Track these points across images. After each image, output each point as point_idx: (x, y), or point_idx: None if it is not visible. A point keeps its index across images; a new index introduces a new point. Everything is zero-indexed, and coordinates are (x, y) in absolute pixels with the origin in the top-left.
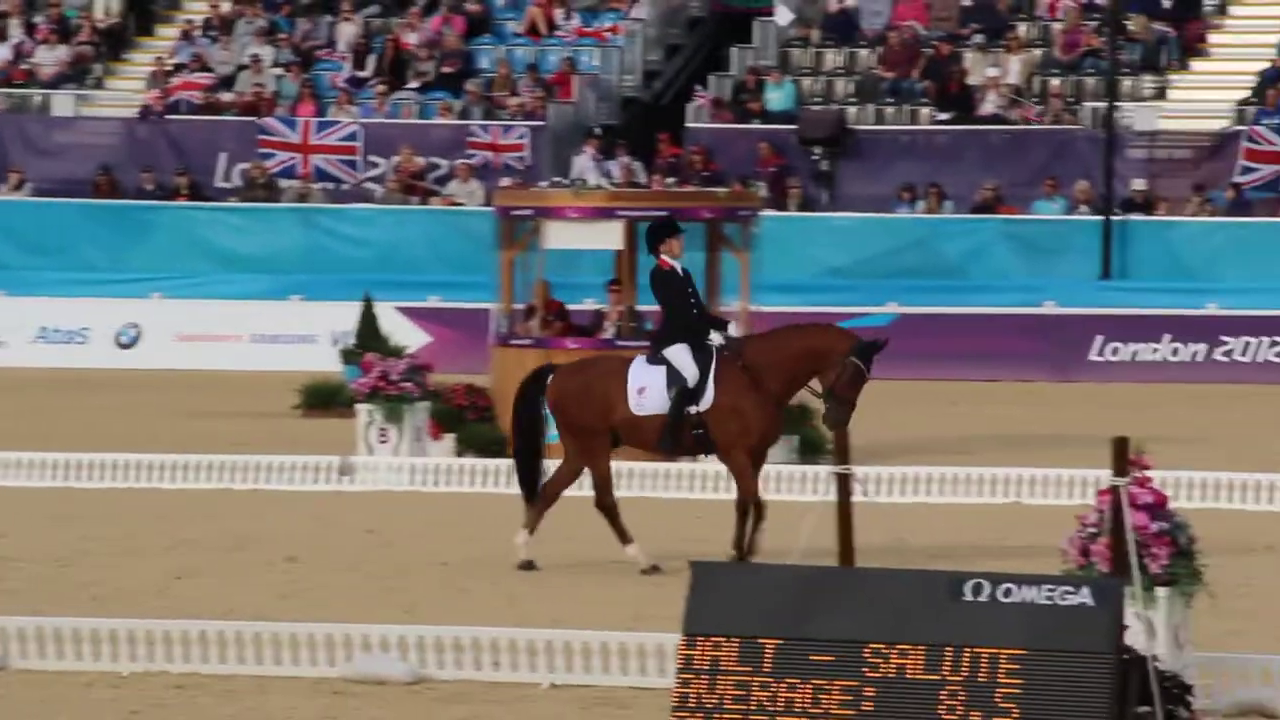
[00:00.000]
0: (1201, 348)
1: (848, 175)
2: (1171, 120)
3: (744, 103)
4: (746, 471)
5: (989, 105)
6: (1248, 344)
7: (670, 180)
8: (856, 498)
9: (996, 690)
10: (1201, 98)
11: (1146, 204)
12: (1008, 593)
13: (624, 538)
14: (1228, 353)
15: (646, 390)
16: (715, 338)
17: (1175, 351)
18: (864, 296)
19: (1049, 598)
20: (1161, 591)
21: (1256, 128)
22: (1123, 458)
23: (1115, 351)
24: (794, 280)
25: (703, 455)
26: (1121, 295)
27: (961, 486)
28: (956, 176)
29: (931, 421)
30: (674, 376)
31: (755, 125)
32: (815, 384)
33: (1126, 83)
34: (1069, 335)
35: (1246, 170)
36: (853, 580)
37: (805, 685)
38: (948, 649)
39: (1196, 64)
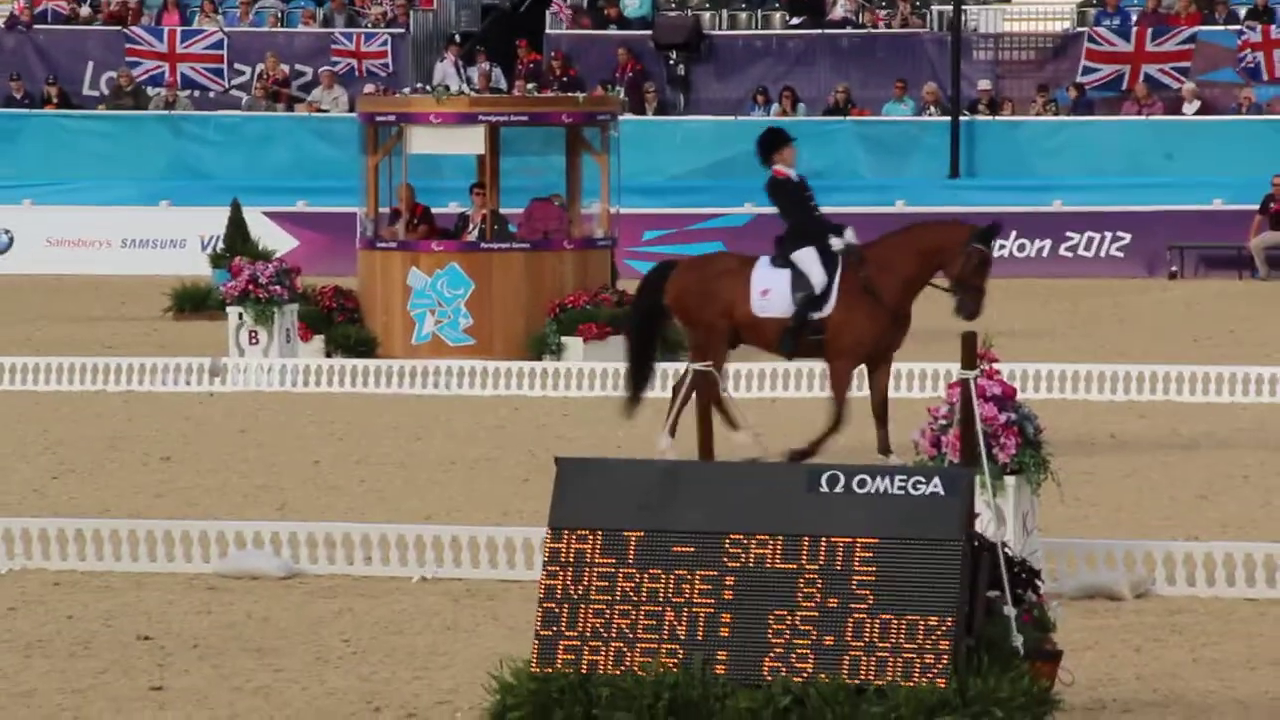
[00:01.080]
0: (1046, 243)
1: (703, 79)
2: (1015, 22)
3: (601, 9)
4: (844, 383)
5: (839, 10)
6: (1091, 239)
7: (530, 86)
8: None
9: (853, 577)
10: (1044, 0)
11: (992, 104)
12: (862, 484)
13: (734, 424)
14: (1072, 248)
15: (770, 293)
16: (837, 243)
17: (1021, 247)
18: (721, 198)
19: (901, 488)
20: (1010, 480)
21: (1097, 29)
22: (971, 352)
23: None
24: (653, 183)
25: (814, 358)
26: (969, 193)
27: (818, 381)
28: (809, 80)
29: None
30: (799, 281)
31: (612, 31)
32: (940, 279)
33: None
34: None
35: (1088, 70)
36: (712, 474)
37: (668, 575)
38: (805, 539)
39: None
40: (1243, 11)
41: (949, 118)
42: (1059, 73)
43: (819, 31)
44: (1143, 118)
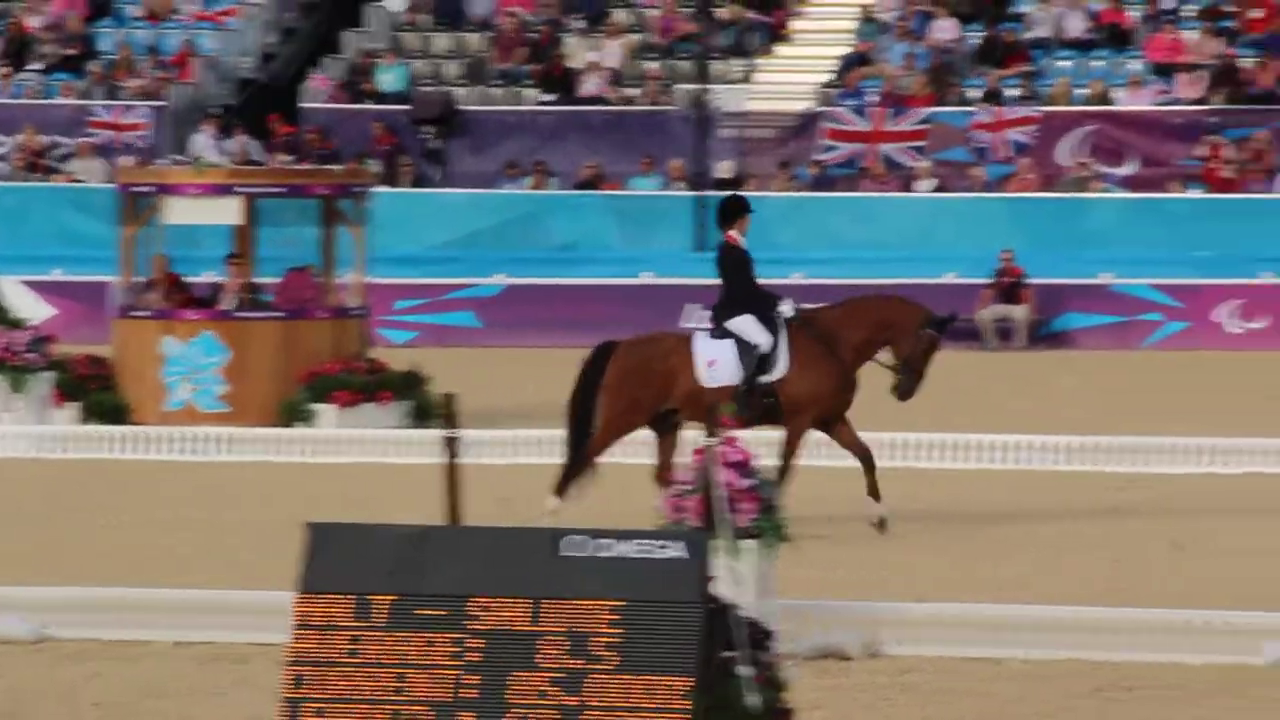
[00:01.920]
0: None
1: (458, 153)
2: (759, 101)
3: (358, 84)
4: (798, 441)
5: (590, 87)
6: None
7: (287, 158)
8: (467, 460)
9: (596, 639)
10: (786, 80)
11: (736, 180)
12: (605, 547)
13: (560, 490)
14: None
15: (716, 363)
16: (786, 308)
17: None
18: (474, 268)
19: (643, 551)
20: (748, 543)
21: (837, 109)
22: (712, 419)
23: (707, 318)
24: (408, 253)
25: (768, 425)
26: (713, 266)
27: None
28: (560, 155)
29: (540, 387)
30: (745, 347)
31: (369, 106)
32: (884, 355)
33: (717, 66)
34: (666, 303)
35: (828, 149)
36: (459, 537)
37: (415, 638)
38: (548, 601)
39: (781, 48)
40: (974, 94)
41: (694, 192)
42: (800, 150)
43: (570, 108)
44: (880, 194)
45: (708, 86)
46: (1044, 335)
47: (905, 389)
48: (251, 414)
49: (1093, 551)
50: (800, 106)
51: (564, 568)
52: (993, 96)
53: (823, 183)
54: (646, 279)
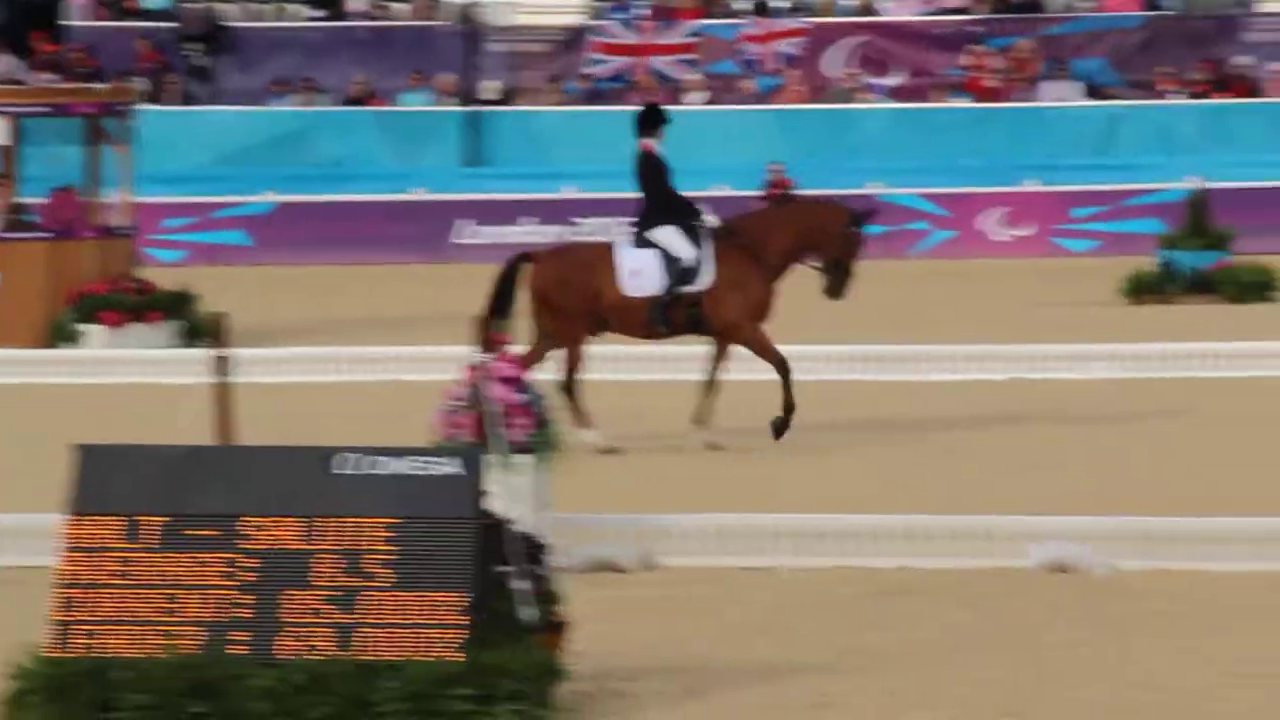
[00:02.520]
0: (558, 228)
1: (225, 71)
2: (528, 15)
3: (121, 1)
4: (766, 341)
5: (357, 2)
6: (602, 224)
7: (51, 77)
8: (235, 379)
9: (369, 556)
10: None
11: (506, 95)
12: (377, 465)
13: (583, 421)
14: (583, 232)
15: (640, 272)
16: (710, 218)
17: (535, 233)
18: (243, 186)
19: (417, 468)
20: (522, 458)
21: (606, 22)
22: (484, 334)
23: (479, 234)
24: (177, 172)
25: (694, 335)
26: (484, 181)
27: (344, 365)
28: (329, 71)
29: (311, 305)
30: (668, 257)
31: (133, 23)
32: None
33: None
34: (436, 220)
35: (597, 62)
36: (230, 457)
37: (186, 559)
38: (320, 520)
39: None
40: (743, 5)
41: (464, 108)
42: (569, 64)
43: (338, 23)
44: None
45: (476, 1)
46: None
47: (837, 289)
48: (19, 335)
49: (860, 459)
50: (569, 20)
51: (337, 486)
52: (761, 9)
53: (593, 97)
54: (417, 195)
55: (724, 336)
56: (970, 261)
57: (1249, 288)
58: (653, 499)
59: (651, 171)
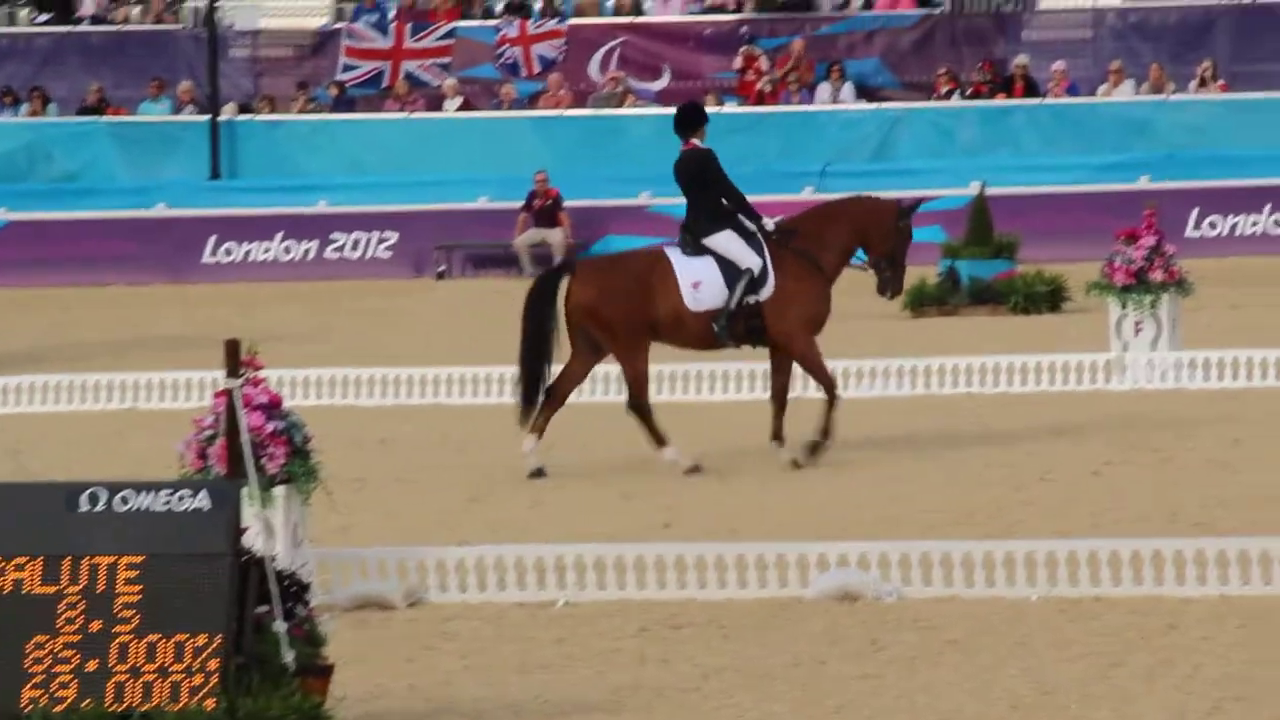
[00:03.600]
0: (313, 245)
1: None
2: (273, 19)
3: None
4: (819, 359)
5: (88, 5)
6: (358, 240)
7: None
8: None
9: (117, 598)
10: None
11: (252, 103)
12: (125, 500)
13: (659, 440)
14: (339, 249)
15: (702, 284)
16: (768, 221)
17: (288, 250)
18: None
19: (166, 503)
20: (279, 491)
21: (355, 25)
22: (235, 359)
23: (229, 252)
24: None
25: (750, 346)
26: (231, 195)
27: (78, 394)
28: (60, 79)
29: (46, 329)
30: (729, 266)
31: None
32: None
33: None
34: (181, 237)
35: (348, 68)
36: None
37: None
38: (65, 560)
39: None
40: (500, 6)
41: (207, 117)
42: (319, 70)
43: (68, 29)
44: (405, 115)
45: (216, 3)
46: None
47: (895, 286)
48: None
49: (635, 486)
50: (316, 23)
51: (80, 524)
52: (518, 9)
53: (344, 103)
54: (159, 211)
55: (781, 348)
56: None
57: (1037, 298)
58: (416, 533)
59: (702, 172)
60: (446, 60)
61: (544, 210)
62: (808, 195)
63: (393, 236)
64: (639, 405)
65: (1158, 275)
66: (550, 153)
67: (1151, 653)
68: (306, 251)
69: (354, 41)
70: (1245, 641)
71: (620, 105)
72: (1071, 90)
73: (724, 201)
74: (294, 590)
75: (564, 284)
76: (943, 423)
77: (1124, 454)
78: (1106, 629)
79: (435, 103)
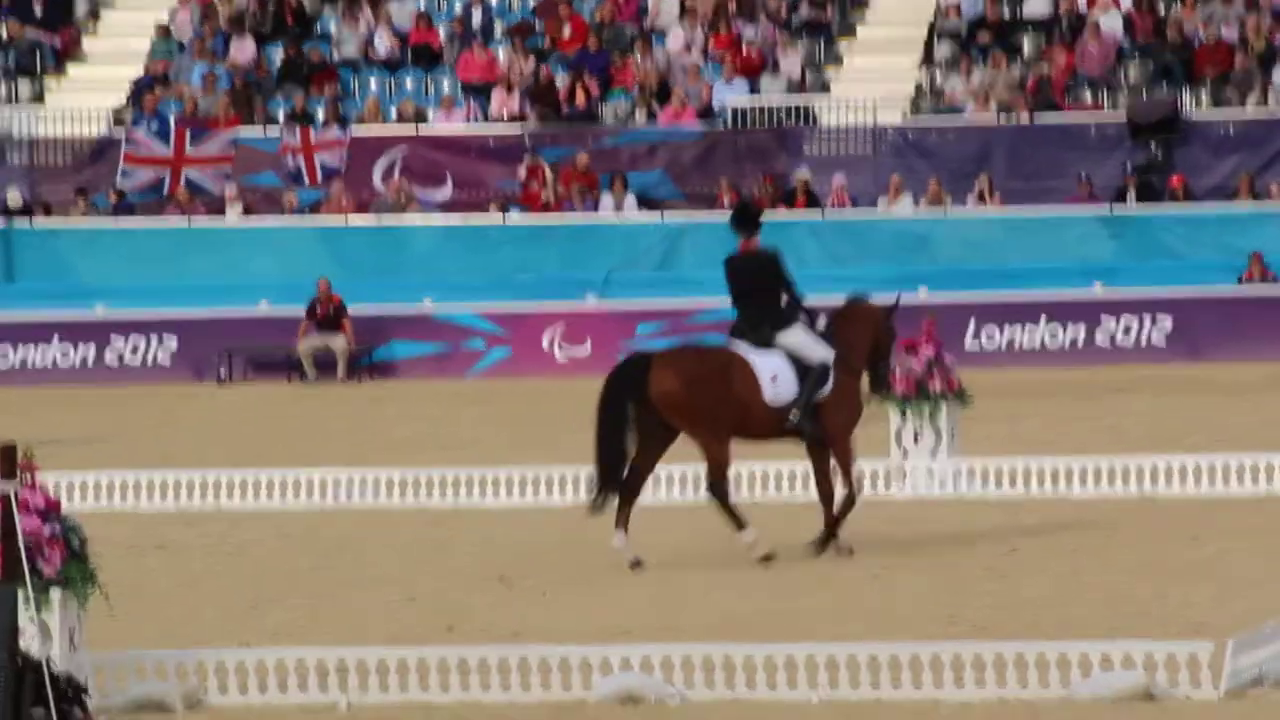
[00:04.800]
0: (90, 350)
1: None
2: (52, 126)
3: None
4: (853, 457)
5: None
6: (137, 345)
7: None
8: None
9: None
10: (80, 103)
11: (30, 208)
12: None
13: (739, 523)
14: (118, 354)
15: (779, 379)
16: (822, 321)
17: (66, 354)
18: None
19: None
20: (55, 594)
21: (135, 132)
22: (11, 462)
23: (4, 356)
24: None
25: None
26: (8, 300)
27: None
28: None
29: None
30: (798, 362)
31: None
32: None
33: (1, 88)
34: None
35: (127, 174)
36: None
37: None
38: None
39: (74, 69)
40: (281, 114)
41: None
42: (98, 176)
43: None
44: (186, 222)
45: None
46: (366, 365)
47: (888, 384)
48: None
49: (424, 591)
50: (96, 130)
51: None
52: (300, 118)
53: (123, 210)
54: None
55: (829, 443)
56: (529, 381)
57: None
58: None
59: (767, 269)
60: (228, 168)
61: (327, 317)
62: (592, 304)
63: (173, 341)
64: (719, 489)
65: (937, 385)
66: (333, 259)
67: None
68: (85, 356)
69: (134, 149)
70: None
71: (403, 212)
72: (853, 203)
73: (790, 297)
74: (70, 693)
75: (641, 373)
76: (725, 530)
77: (903, 559)
78: None
79: (217, 209)
